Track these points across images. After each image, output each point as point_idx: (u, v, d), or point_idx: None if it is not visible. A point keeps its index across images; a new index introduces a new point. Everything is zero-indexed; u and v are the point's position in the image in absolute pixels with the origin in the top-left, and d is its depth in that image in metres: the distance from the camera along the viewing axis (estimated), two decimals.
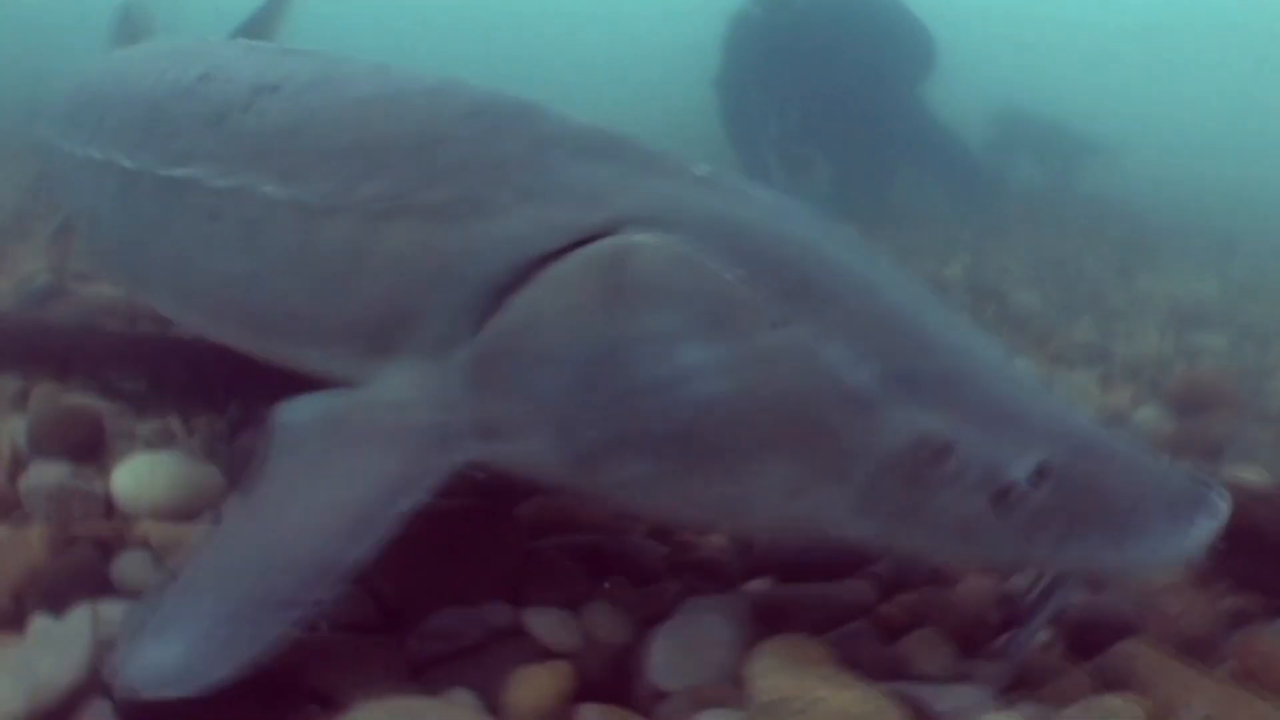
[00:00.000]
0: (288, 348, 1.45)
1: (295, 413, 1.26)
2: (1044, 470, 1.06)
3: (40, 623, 1.29)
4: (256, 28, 2.68)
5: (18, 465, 1.75)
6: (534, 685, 1.21)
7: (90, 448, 1.82)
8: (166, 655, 1.03)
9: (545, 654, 1.29)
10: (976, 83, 8.47)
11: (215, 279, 1.51)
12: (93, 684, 1.19)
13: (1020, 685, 1.24)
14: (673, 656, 1.27)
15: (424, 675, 1.26)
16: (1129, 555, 1.04)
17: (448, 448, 1.18)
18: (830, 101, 6.60)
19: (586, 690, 1.22)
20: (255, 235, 1.41)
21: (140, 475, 1.65)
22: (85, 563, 1.43)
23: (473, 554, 1.43)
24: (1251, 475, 2.30)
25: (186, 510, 1.62)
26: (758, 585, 1.46)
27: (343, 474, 1.17)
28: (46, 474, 1.70)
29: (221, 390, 2.10)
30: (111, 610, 1.29)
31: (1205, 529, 1.04)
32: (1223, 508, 1.05)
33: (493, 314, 1.19)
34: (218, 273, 1.49)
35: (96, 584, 1.41)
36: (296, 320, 1.40)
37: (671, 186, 1.28)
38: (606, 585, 1.42)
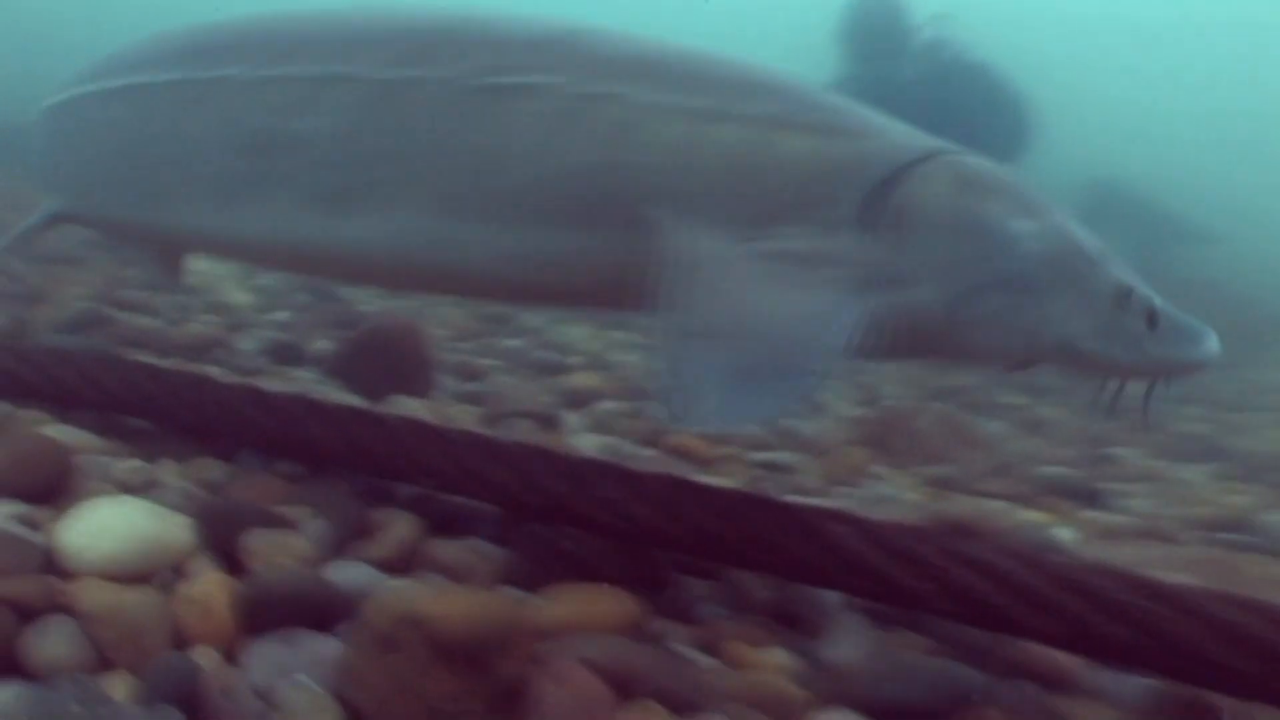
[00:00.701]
0: (633, 235, 1.59)
1: (704, 242, 1.55)
2: (1163, 306, 1.64)
3: None
4: None
5: None
6: None
7: (52, 487, 1.56)
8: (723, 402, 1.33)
9: None
10: (1080, 157, 8.11)
11: (543, 174, 1.63)
12: None
13: None
14: None
15: None
16: (1202, 353, 1.63)
17: (863, 293, 1.52)
18: None
19: None
20: (628, 133, 1.61)
21: (95, 524, 1.38)
22: None
23: (468, 657, 1.13)
24: None
25: (139, 570, 1.34)
26: None
27: (792, 291, 1.50)
28: None
29: (236, 436, 1.84)
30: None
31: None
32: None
33: (875, 203, 1.58)
34: (556, 167, 1.62)
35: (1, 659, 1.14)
36: (670, 205, 1.59)
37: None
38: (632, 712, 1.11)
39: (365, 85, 1.71)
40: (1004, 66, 6.82)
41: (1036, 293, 1.59)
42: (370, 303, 4.12)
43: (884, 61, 6.47)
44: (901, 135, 1.70)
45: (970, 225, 1.59)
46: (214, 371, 2.69)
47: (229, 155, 1.84)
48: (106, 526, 1.38)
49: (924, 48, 6.56)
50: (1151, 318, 1.62)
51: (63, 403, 1.96)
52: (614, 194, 1.61)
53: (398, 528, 1.57)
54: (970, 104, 6.47)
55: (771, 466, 2.65)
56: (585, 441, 2.56)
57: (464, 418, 2.51)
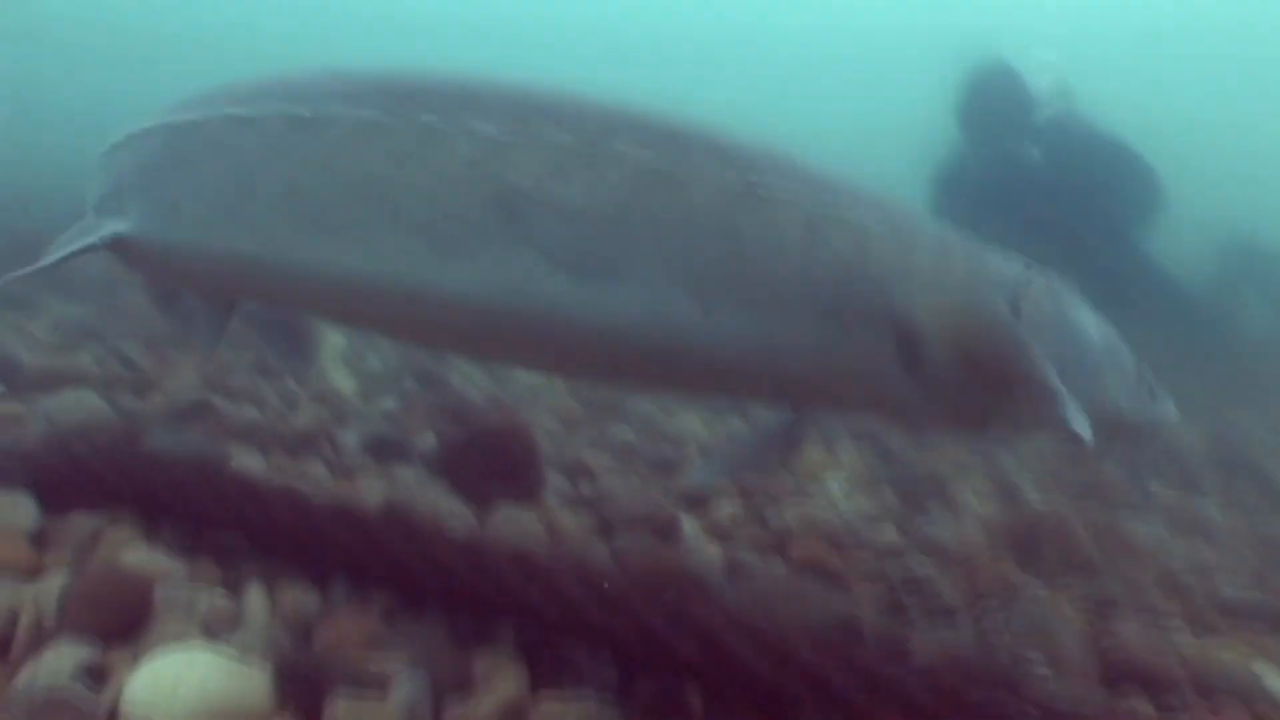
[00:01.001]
0: (866, 330, 1.83)
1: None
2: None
3: None
4: None
5: (34, 645, 1.37)
6: None
7: (129, 625, 1.42)
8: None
9: None
10: (1212, 219, 7.64)
11: (799, 274, 1.81)
12: None
13: None
14: None
15: None
16: (1175, 413, 2.11)
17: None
18: (1049, 252, 5.97)
19: None
20: (865, 248, 1.85)
21: (162, 681, 1.23)
22: None
23: None
24: None
25: None
26: None
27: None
28: (54, 663, 1.30)
29: (333, 561, 1.68)
30: None
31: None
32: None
33: (1014, 307, 1.88)
34: (810, 269, 1.81)
35: None
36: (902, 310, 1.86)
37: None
38: None
39: (636, 165, 1.82)
40: (1128, 136, 6.49)
41: (1104, 370, 1.96)
42: (475, 382, 4.01)
43: (1008, 138, 6.21)
44: (992, 252, 2.02)
45: (1065, 322, 1.96)
46: (317, 469, 2.58)
47: (457, 202, 1.74)
48: (176, 684, 1.22)
49: (1049, 122, 6.29)
50: (1152, 388, 2.02)
51: (153, 513, 1.85)
52: (855, 294, 1.84)
53: (501, 682, 1.38)
54: (1100, 178, 6.16)
55: (910, 581, 2.39)
56: (706, 554, 2.34)
57: (575, 527, 2.32)
